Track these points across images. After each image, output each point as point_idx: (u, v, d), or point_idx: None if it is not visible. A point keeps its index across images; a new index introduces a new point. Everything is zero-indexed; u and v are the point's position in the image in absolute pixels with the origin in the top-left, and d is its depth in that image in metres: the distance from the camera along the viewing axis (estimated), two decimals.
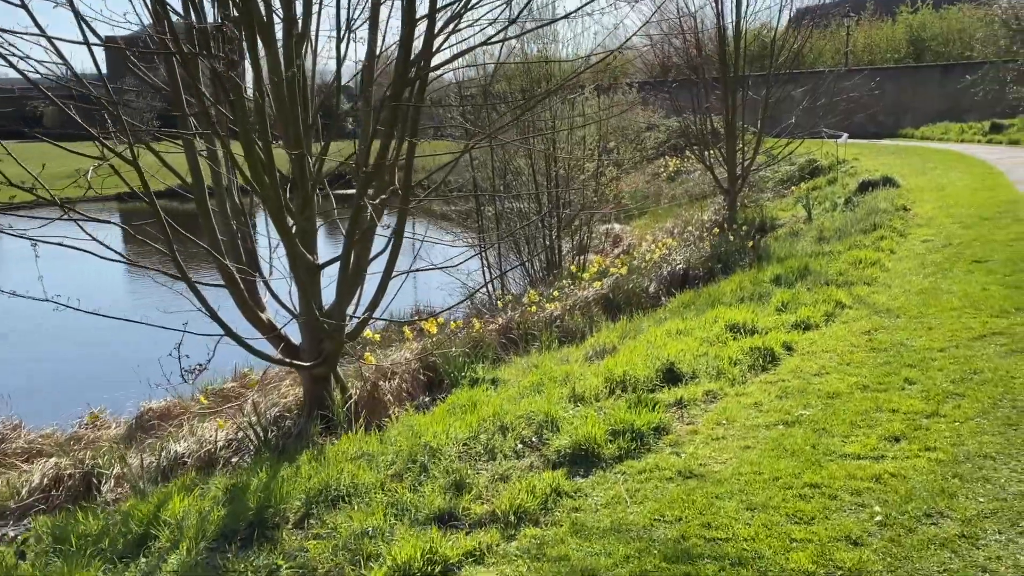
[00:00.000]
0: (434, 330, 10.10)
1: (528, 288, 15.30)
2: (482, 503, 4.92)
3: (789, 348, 7.58)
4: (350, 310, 7.89)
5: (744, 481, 4.90)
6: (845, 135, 21.87)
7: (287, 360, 7.78)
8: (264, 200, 7.12)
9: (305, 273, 7.97)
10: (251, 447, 7.87)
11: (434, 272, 9.18)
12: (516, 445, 5.76)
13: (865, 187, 17.70)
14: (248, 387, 9.09)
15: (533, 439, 5.87)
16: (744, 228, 16.00)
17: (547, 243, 16.66)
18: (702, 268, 12.52)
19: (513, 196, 15.80)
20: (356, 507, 5.00)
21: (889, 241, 12.09)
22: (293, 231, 7.75)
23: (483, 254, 15.28)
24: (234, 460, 8.12)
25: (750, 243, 13.38)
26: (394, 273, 8.21)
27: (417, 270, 7.98)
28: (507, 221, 16.30)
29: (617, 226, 21.66)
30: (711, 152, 19.01)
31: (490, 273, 15.61)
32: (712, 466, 5.17)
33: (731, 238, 14.48)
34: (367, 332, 9.91)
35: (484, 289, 15.45)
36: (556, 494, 4.93)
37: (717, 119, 24.28)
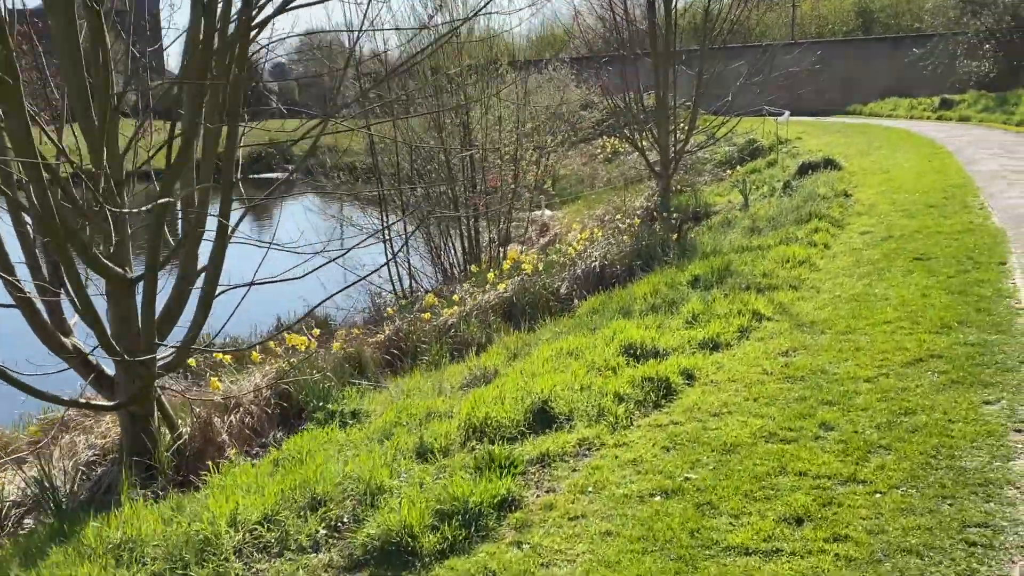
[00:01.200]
0: (302, 346, 8.80)
1: (444, 286, 14.07)
2: None
3: (690, 376, 6.40)
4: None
5: None
6: (787, 113, 20.86)
7: (78, 401, 6.43)
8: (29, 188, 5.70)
9: (111, 288, 6.64)
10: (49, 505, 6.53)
11: (332, 271, 7.93)
12: (319, 530, 4.50)
13: (805, 170, 16.67)
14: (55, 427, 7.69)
15: (345, 519, 4.61)
16: (676, 216, 14.89)
17: (465, 234, 15.40)
18: (620, 265, 11.34)
19: (408, 184, 14.47)
20: None
21: (824, 234, 11.00)
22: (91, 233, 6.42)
23: (389, 250, 13.95)
24: (27, 522, 6.78)
25: (675, 236, 12.23)
26: (230, 286, 6.91)
27: (258, 283, 6.63)
28: (417, 210, 14.98)
29: (548, 212, 20.47)
30: (643, 134, 17.85)
31: (397, 271, 14.29)
32: (557, 568, 3.96)
33: (657, 229, 13.34)
34: (218, 354, 8.58)
35: (394, 290, 14.15)
36: None
37: (652, 97, 23.20)
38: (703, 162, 21.34)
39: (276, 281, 6.65)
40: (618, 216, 17.49)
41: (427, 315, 10.11)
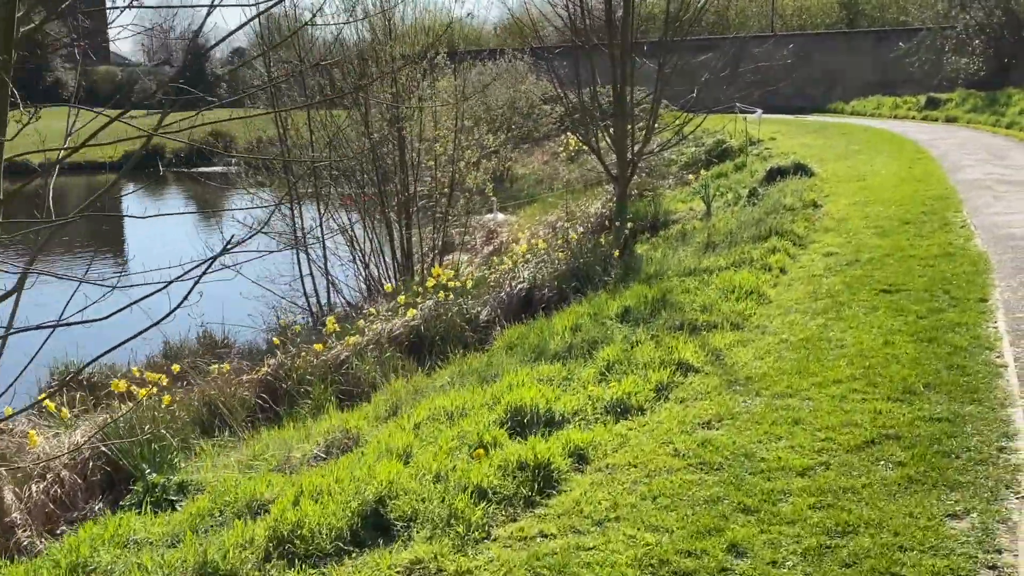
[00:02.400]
0: (143, 393, 7.47)
1: (368, 302, 12.75)
2: None
3: (582, 459, 5.10)
4: None
5: None
6: (759, 111, 19.61)
7: None
8: None
9: None
10: None
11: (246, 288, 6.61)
12: None
13: (774, 175, 15.41)
14: None
15: None
16: (627, 228, 13.61)
17: (395, 243, 14.04)
18: (550, 288, 10.03)
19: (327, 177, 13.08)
20: None
21: (782, 255, 9.74)
22: None
23: (299, 259, 12.61)
24: None
25: (616, 252, 10.94)
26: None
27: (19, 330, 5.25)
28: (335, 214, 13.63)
29: (500, 216, 19.13)
30: (600, 133, 16.58)
31: (314, 283, 12.91)
32: None
33: (602, 241, 12.04)
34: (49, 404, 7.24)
35: (308, 307, 12.79)
36: None
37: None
38: (668, 163, 20.06)
39: (57, 326, 5.29)
40: (568, 224, 16.24)
41: (320, 346, 8.79)
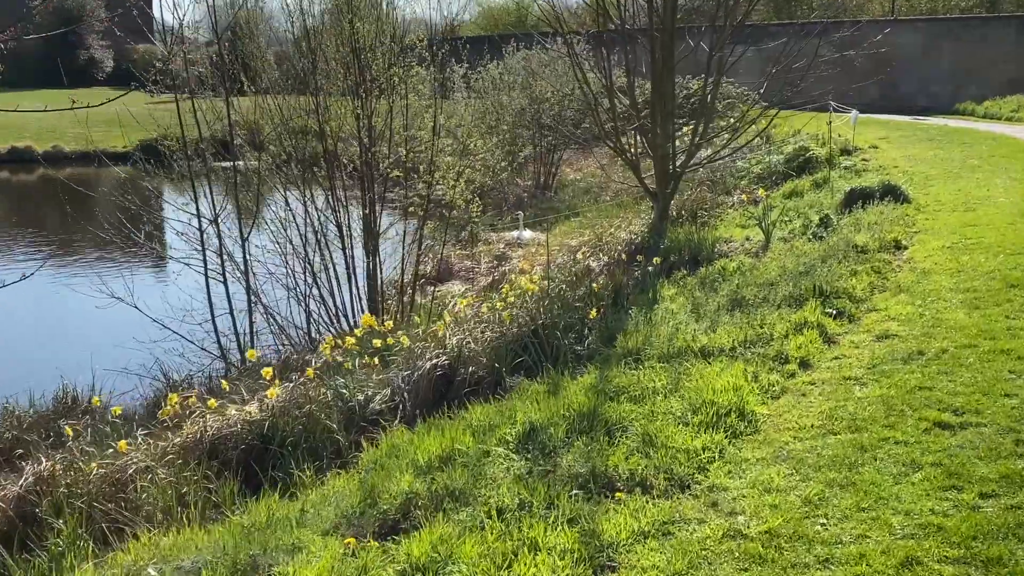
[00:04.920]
0: None
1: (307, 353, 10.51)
2: None
3: None
4: None
5: None
6: (855, 112, 16.45)
7: None
8: None
9: None
10: None
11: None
12: None
13: (855, 199, 12.39)
14: None
15: None
16: (657, 260, 10.98)
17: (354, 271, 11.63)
18: (484, 368, 7.44)
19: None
20: None
21: (812, 338, 6.91)
22: None
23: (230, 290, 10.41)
24: None
25: (593, 312, 8.27)
26: None
27: None
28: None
29: (527, 234, 16.61)
30: (640, 137, 13.95)
31: (240, 319, 10.63)
32: None
33: (597, 290, 9.43)
34: None
35: (223, 357, 10.51)
36: None
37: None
38: (739, 174, 17.10)
39: None
40: (599, 248, 13.65)
41: (123, 444, 6.42)
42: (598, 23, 12.87)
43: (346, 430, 6.67)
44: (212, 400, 6.99)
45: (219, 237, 10.15)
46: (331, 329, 11.25)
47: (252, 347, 10.43)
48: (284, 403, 6.58)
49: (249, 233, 10.41)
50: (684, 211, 14.72)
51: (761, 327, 7.37)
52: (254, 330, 10.34)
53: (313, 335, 11.12)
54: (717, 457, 5.00)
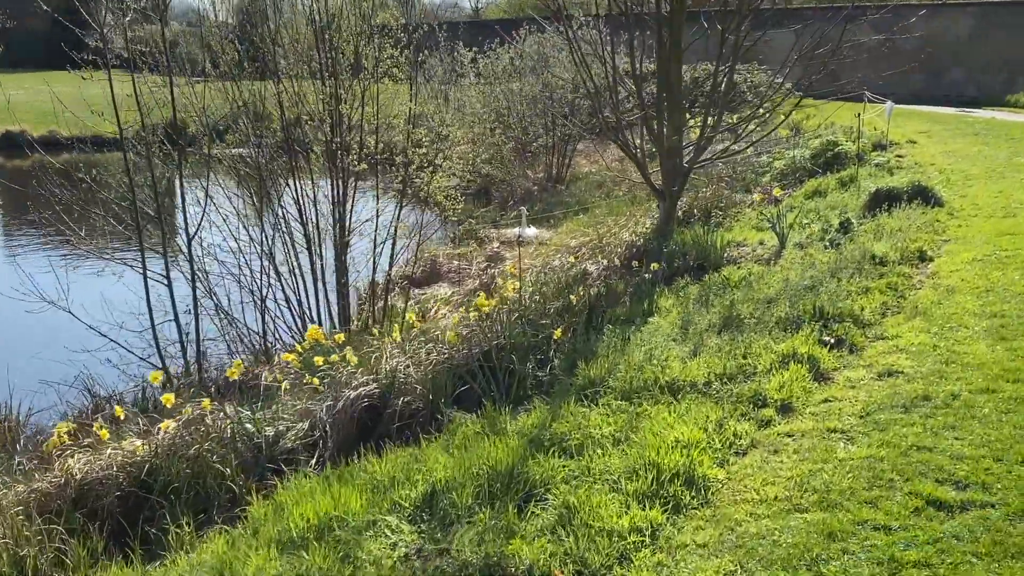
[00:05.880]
0: None
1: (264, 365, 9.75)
2: None
3: None
4: None
5: None
6: (889, 103, 15.21)
7: None
8: None
9: None
10: None
11: None
12: None
13: (880, 200, 11.25)
14: None
15: None
16: (655, 266, 10.02)
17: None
18: (416, 398, 6.50)
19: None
20: None
21: (799, 374, 5.89)
22: None
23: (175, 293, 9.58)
24: None
25: (557, 332, 7.28)
26: None
27: None
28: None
29: (530, 231, 15.61)
30: (648, 129, 12.90)
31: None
32: None
33: (618, 287, 8.46)
34: None
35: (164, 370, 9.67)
36: None
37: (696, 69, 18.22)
38: (760, 170, 15.94)
39: None
40: (598, 250, 12.68)
41: None
42: (596, 4, 11.85)
43: (246, 473, 5.76)
44: (104, 431, 6.13)
45: (163, 233, 9.31)
46: (295, 337, 10.40)
47: (199, 357, 9.63)
48: (173, 440, 5.68)
49: (198, 229, 9.55)
50: (697, 210, 13.68)
51: (744, 357, 6.36)
52: (200, 338, 9.46)
53: (271, 343, 10.27)
54: (648, 541, 4.02)
